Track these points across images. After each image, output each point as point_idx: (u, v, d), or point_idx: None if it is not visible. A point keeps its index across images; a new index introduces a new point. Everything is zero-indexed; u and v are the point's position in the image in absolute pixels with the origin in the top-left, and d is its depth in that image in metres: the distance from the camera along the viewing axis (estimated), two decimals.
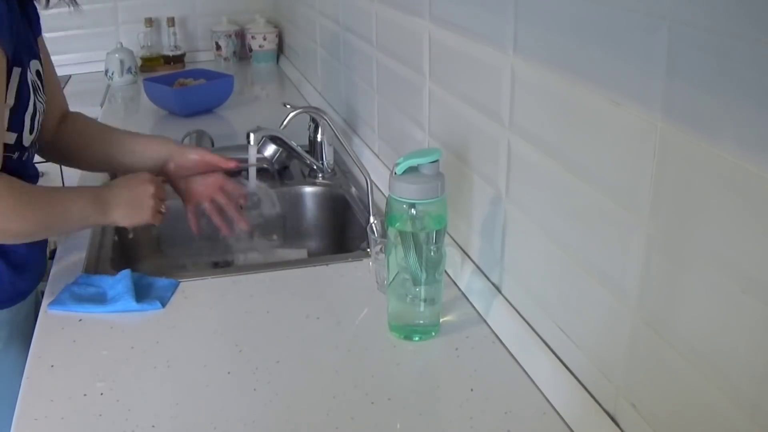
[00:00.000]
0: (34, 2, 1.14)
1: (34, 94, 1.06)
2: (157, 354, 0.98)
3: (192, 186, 1.31)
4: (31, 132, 1.07)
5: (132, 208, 1.14)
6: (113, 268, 1.23)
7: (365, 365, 0.96)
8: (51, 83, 1.22)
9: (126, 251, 1.42)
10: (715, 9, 0.58)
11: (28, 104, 1.05)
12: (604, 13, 0.73)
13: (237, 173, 1.61)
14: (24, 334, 1.14)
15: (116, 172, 1.37)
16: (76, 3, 1.19)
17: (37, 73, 1.09)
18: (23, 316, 1.17)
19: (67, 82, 2.54)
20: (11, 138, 1.04)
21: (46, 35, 1.22)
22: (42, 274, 1.21)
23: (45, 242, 1.26)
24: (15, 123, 1.04)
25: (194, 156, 1.29)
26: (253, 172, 1.40)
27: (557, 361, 0.89)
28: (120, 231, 1.42)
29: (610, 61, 0.73)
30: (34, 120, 1.07)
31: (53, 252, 1.32)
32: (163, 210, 1.19)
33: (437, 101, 1.20)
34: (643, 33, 0.67)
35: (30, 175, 1.13)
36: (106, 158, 1.29)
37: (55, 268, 1.21)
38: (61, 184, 2.08)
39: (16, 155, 1.06)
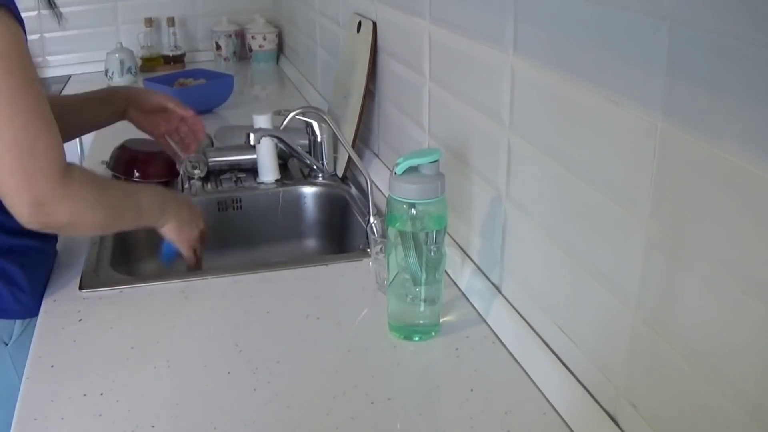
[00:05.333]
0: None
1: None
2: (157, 354, 0.98)
3: (157, 121, 1.42)
4: None
5: (182, 227, 1.19)
6: (113, 267, 1.23)
7: (365, 365, 0.96)
8: None
9: (126, 251, 1.42)
10: (715, 9, 0.58)
11: None
12: (604, 13, 0.73)
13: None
14: None
15: (81, 133, 1.47)
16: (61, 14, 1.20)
17: None
18: None
19: (67, 82, 2.52)
20: None
21: (46, 35, 1.21)
22: None
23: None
24: None
25: (155, 101, 1.41)
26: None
27: (557, 361, 0.89)
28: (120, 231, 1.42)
29: (610, 61, 0.73)
30: None
31: None
32: (197, 252, 1.24)
33: (437, 101, 1.20)
34: (643, 33, 0.67)
35: None
36: (72, 124, 1.30)
37: (55, 268, 1.21)
38: None
39: None
